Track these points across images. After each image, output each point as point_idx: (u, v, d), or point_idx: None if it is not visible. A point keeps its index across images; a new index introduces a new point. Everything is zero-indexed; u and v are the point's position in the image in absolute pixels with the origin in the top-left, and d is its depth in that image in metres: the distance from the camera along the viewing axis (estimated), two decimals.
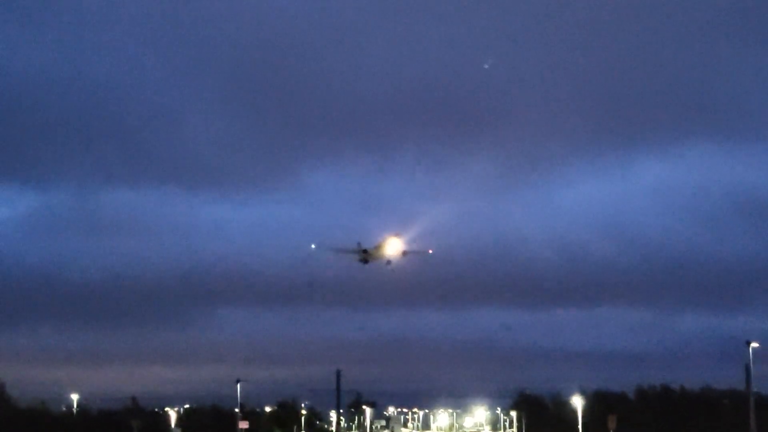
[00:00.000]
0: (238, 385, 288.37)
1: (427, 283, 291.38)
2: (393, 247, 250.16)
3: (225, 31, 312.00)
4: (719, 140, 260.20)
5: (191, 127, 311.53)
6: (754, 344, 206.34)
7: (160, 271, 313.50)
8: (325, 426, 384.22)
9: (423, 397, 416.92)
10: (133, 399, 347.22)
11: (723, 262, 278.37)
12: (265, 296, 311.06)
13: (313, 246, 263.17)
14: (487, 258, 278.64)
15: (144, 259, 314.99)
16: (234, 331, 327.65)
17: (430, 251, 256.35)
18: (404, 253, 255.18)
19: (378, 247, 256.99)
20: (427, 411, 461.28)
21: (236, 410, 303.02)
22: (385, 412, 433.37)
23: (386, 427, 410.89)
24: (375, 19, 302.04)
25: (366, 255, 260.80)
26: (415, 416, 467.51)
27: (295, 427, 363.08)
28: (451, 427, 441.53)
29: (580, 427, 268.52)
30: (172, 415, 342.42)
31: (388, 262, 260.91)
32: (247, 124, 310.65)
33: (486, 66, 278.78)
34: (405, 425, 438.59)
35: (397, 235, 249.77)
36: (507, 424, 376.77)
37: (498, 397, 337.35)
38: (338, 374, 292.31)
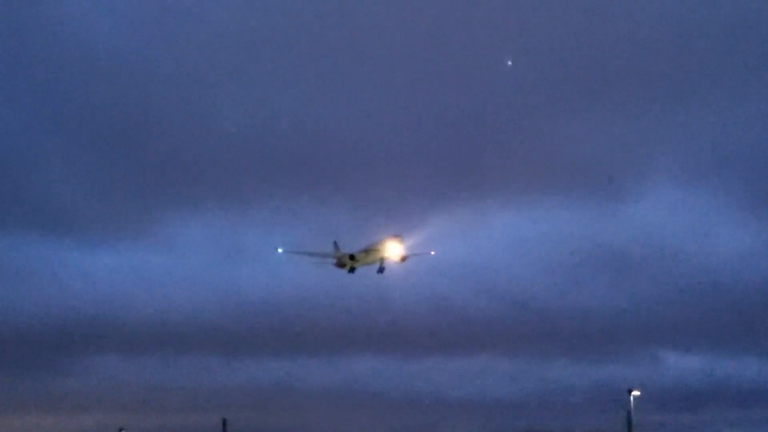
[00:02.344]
0: None
1: (309, 330, 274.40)
2: (392, 251, 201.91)
3: (86, 76, 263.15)
4: (580, 196, 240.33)
5: (55, 173, 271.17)
6: (636, 392, 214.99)
7: (29, 318, 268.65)
8: None
9: None
10: None
11: (587, 313, 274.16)
12: (142, 342, 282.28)
13: (279, 250, 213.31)
14: (360, 307, 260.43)
15: (11, 307, 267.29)
16: (113, 378, 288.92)
17: (432, 252, 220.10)
18: (403, 258, 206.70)
19: (370, 252, 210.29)
20: None
21: None
22: None
23: None
24: (238, 70, 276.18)
25: (352, 261, 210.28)
26: None
27: None
28: None
29: None
30: None
31: (381, 269, 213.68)
32: (111, 171, 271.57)
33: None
34: None
35: (397, 237, 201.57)
36: None
37: None
38: (224, 423, 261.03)
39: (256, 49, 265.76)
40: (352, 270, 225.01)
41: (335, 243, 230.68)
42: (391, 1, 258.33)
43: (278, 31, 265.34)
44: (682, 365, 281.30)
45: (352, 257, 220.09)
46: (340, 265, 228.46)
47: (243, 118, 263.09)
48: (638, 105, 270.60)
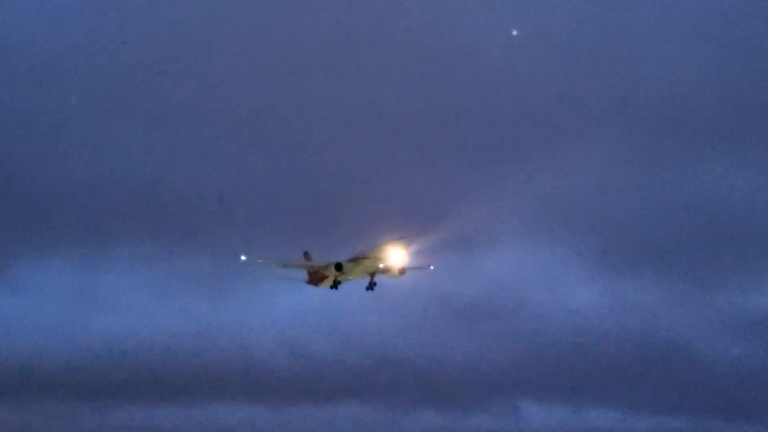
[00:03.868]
0: None
1: (166, 376, 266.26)
2: (393, 259, 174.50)
3: None
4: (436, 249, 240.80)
5: None
6: None
7: None
8: None
9: None
10: None
11: (448, 364, 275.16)
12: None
13: (242, 257, 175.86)
14: (216, 353, 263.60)
15: None
16: None
17: (431, 266, 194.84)
18: (403, 271, 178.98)
19: (363, 261, 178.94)
20: None
21: None
22: None
23: None
24: (90, 115, 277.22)
25: (338, 273, 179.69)
26: None
27: None
28: None
29: None
30: None
31: (372, 284, 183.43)
32: None
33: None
34: None
35: (400, 241, 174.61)
36: None
37: None
38: None
39: (108, 93, 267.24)
40: (335, 285, 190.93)
41: (306, 254, 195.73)
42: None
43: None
44: (542, 416, 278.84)
45: (339, 267, 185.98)
46: (316, 279, 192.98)
47: (97, 162, 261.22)
48: (488, 161, 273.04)
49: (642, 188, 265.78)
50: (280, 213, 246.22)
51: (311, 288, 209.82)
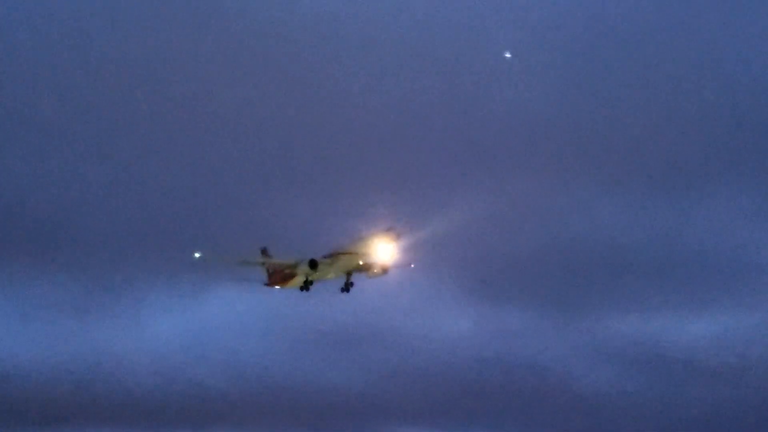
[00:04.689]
0: None
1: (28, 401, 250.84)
2: (380, 253, 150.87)
3: None
4: None
5: None
6: None
7: None
8: None
9: None
10: None
11: (317, 390, 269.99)
12: None
13: (196, 255, 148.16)
14: (87, 378, 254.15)
15: None
16: None
17: (412, 265, 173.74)
18: (386, 269, 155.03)
19: (342, 257, 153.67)
20: None
21: None
22: None
23: None
24: None
25: (312, 272, 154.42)
26: None
27: None
28: None
29: None
30: None
31: (348, 285, 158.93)
32: None
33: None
34: None
35: (390, 232, 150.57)
36: None
37: None
38: None
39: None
40: (306, 286, 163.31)
41: (264, 251, 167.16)
42: None
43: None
44: None
45: (313, 265, 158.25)
46: (280, 280, 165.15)
47: None
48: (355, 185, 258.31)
49: (511, 221, 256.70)
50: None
51: (176, 313, 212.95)
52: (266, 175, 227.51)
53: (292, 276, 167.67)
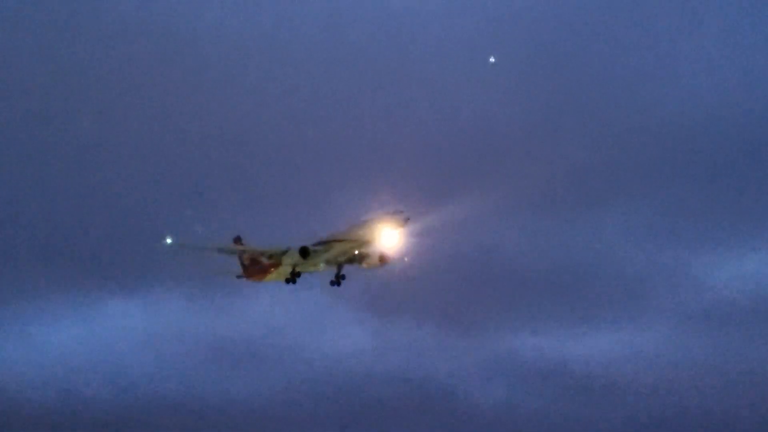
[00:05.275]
0: None
1: None
2: (387, 240, 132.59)
3: None
4: (200, 289, 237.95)
5: None
6: None
7: None
8: None
9: None
10: None
11: (209, 406, 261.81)
12: None
13: (168, 240, 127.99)
14: None
15: None
16: None
17: (406, 258, 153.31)
18: (383, 260, 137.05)
19: (339, 244, 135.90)
20: None
21: None
22: None
23: None
24: None
25: (303, 260, 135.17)
26: None
27: None
28: None
29: None
30: None
31: (339, 278, 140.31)
32: None
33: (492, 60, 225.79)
34: None
35: (396, 215, 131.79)
36: None
37: None
38: None
39: None
40: (293, 278, 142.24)
41: (238, 239, 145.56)
42: None
43: None
44: None
45: (304, 253, 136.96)
46: (259, 271, 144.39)
47: None
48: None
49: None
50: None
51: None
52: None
53: (273, 267, 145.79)
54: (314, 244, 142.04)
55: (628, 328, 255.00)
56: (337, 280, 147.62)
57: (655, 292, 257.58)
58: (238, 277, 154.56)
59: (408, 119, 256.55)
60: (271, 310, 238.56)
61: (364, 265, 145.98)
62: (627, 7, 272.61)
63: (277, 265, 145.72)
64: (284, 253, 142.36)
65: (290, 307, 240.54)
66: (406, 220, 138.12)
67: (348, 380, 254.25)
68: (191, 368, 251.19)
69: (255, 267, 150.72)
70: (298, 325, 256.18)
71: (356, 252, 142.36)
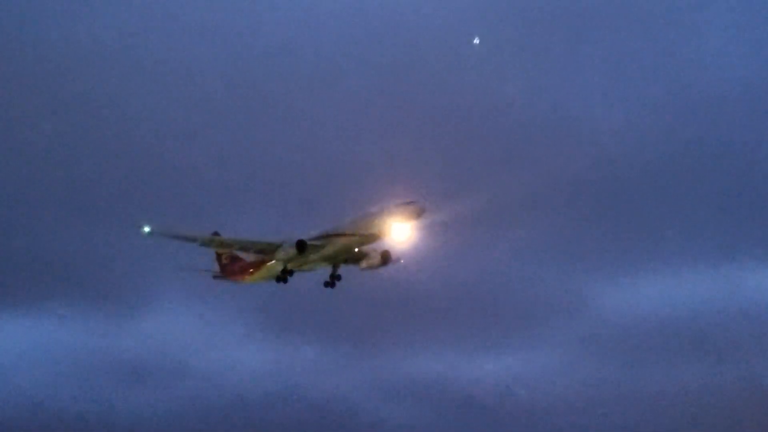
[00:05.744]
0: None
1: None
2: (398, 233, 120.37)
3: None
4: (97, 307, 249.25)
5: None
6: None
7: None
8: None
9: None
10: None
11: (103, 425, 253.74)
12: None
13: (146, 229, 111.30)
14: None
15: None
16: None
17: (402, 260, 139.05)
18: (386, 259, 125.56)
19: (340, 238, 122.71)
20: None
21: None
22: None
23: None
24: None
25: (297, 258, 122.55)
26: None
27: None
28: None
29: None
30: None
31: (335, 278, 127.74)
32: None
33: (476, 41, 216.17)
34: None
35: (414, 207, 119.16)
36: None
37: None
38: None
39: None
40: (284, 277, 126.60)
41: (215, 235, 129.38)
42: None
43: None
44: None
45: (301, 247, 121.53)
46: (238, 270, 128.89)
47: None
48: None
49: None
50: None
51: None
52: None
53: (261, 264, 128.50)
54: (312, 239, 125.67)
55: (522, 351, 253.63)
56: (332, 281, 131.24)
57: (547, 316, 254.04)
58: (215, 277, 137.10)
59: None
60: (172, 326, 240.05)
61: (363, 264, 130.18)
62: None
63: (264, 263, 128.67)
64: (278, 247, 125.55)
65: (186, 324, 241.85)
66: (422, 211, 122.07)
67: (244, 400, 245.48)
68: (86, 386, 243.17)
69: (235, 265, 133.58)
70: (191, 343, 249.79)
71: (356, 249, 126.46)
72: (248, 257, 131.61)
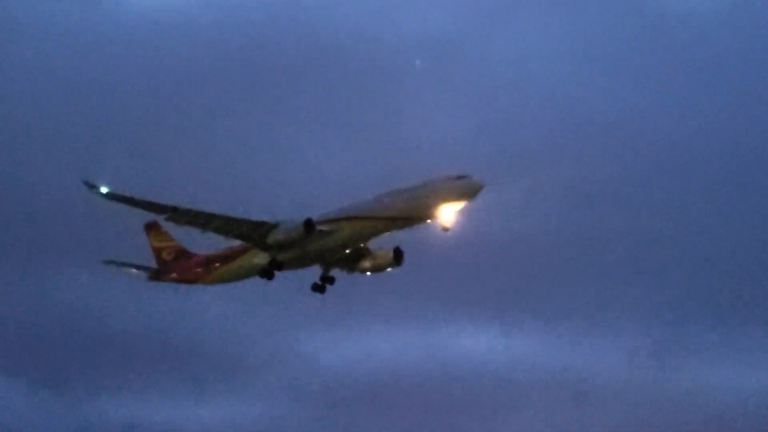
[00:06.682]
0: None
1: None
2: (444, 215, 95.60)
3: None
4: None
5: None
6: None
7: None
8: None
9: None
10: None
11: None
12: None
13: (103, 189, 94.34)
14: None
15: None
16: None
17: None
18: (401, 258, 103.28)
19: (350, 224, 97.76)
20: None
21: None
22: None
23: None
24: None
25: (300, 236, 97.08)
26: None
27: None
28: None
29: None
30: None
31: (327, 279, 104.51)
32: None
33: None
34: None
35: (468, 181, 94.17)
36: None
37: None
38: None
39: None
40: (270, 271, 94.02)
41: (155, 224, 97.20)
42: None
43: None
44: None
45: (309, 226, 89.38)
46: (190, 269, 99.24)
47: None
48: None
49: None
50: None
51: None
52: None
53: (235, 255, 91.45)
54: (321, 218, 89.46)
55: (233, 401, 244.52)
56: (323, 284, 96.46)
57: (263, 367, 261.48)
58: (150, 279, 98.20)
59: None
60: None
61: (366, 265, 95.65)
62: None
63: (238, 254, 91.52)
64: (272, 228, 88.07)
65: None
66: (479, 189, 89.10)
67: None
68: None
69: (187, 261, 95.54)
70: None
71: (362, 244, 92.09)
72: (218, 250, 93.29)
